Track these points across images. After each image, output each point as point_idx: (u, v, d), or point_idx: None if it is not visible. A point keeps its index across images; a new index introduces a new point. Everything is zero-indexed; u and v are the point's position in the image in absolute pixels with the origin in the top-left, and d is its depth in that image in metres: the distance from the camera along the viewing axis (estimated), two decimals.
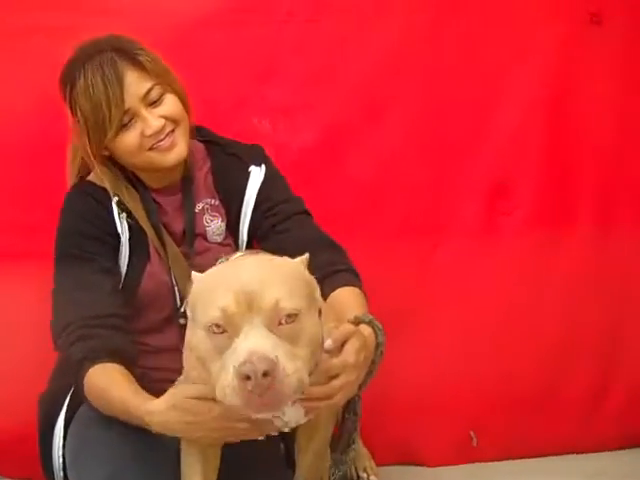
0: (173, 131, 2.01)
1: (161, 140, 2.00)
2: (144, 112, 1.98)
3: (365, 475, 2.32)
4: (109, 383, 1.80)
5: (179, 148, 2.02)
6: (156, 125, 1.98)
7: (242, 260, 1.66)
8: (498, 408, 2.57)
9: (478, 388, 2.57)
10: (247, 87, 2.55)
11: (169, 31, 2.41)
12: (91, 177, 2.11)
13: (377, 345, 1.75)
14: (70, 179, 2.15)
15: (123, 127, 1.97)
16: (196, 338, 1.50)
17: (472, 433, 2.58)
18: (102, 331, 1.86)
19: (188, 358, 1.62)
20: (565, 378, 2.61)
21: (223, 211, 2.14)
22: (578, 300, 2.63)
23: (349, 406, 1.81)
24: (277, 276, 1.48)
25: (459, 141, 2.61)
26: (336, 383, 1.58)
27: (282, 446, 2.01)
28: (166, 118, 2.00)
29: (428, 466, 2.53)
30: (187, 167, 2.14)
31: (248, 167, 2.16)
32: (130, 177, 2.09)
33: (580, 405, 2.62)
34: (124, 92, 1.94)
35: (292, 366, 1.40)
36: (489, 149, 2.63)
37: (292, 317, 1.44)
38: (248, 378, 1.37)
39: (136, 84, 1.97)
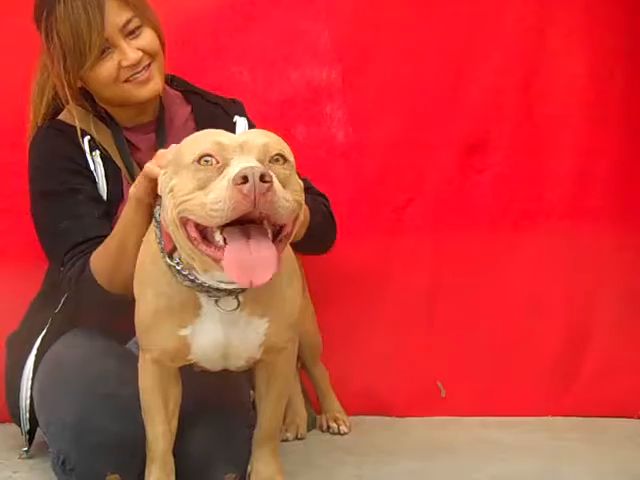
0: (149, 65, 1.96)
1: (137, 72, 1.95)
2: (122, 42, 1.93)
3: (335, 425, 2.27)
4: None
5: (155, 82, 1.97)
6: (133, 57, 1.93)
7: None
8: (466, 363, 2.53)
9: (446, 344, 2.54)
10: (227, 36, 2.50)
11: None
12: (61, 116, 2.05)
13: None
14: (34, 119, 2.07)
15: (101, 56, 1.92)
16: (180, 179, 1.47)
17: (440, 384, 2.54)
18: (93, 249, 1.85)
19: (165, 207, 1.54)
20: (535, 340, 2.55)
21: None
22: (550, 258, 2.57)
23: None
24: (266, 133, 1.53)
25: (432, 99, 2.57)
26: None
27: (252, 393, 1.95)
28: (143, 51, 1.95)
29: (397, 416, 2.48)
30: (162, 107, 2.08)
31: (232, 117, 2.11)
32: (102, 115, 2.03)
33: (552, 369, 2.55)
34: (104, 20, 1.89)
35: (284, 193, 1.41)
36: (464, 107, 2.58)
37: (282, 159, 1.45)
38: (245, 181, 1.34)
39: (115, 13, 1.92)
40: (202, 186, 1.42)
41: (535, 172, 2.59)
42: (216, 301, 1.56)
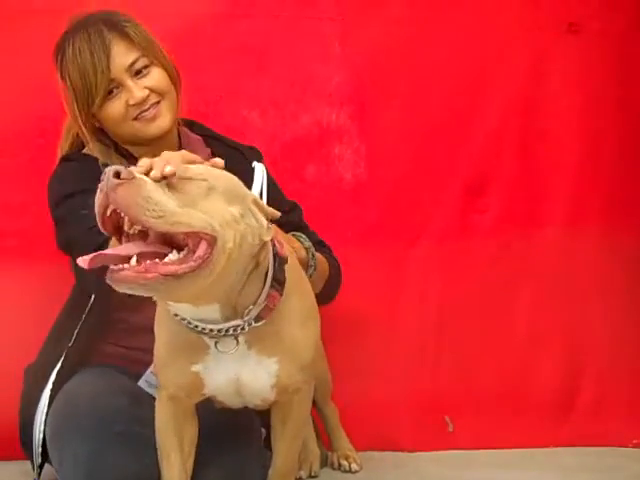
0: (158, 103, 1.98)
1: (145, 110, 1.96)
2: (129, 82, 1.95)
3: (346, 463, 2.25)
4: None
5: (162, 119, 1.98)
6: (139, 95, 1.94)
7: None
8: (472, 398, 2.54)
9: (452, 378, 2.54)
10: (237, 80, 2.52)
11: (162, 23, 2.34)
12: (84, 151, 2.06)
13: (309, 265, 1.88)
14: (60, 152, 2.10)
15: (109, 96, 1.95)
16: None
17: (447, 418, 2.53)
18: None
19: None
20: (535, 374, 2.57)
21: None
22: (548, 296, 2.59)
23: None
24: (211, 169, 1.47)
25: (437, 141, 2.59)
26: None
27: (264, 431, 1.94)
28: (151, 89, 1.96)
29: (406, 451, 2.47)
30: (180, 148, 2.07)
31: (251, 163, 2.11)
32: (122, 152, 2.04)
33: (551, 401, 2.56)
34: (110, 61, 1.92)
35: (161, 198, 1.33)
36: (465, 149, 2.60)
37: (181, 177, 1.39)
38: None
39: (122, 54, 1.95)
40: None
41: (532, 213, 2.61)
42: (216, 343, 1.54)
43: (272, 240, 1.52)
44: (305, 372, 1.64)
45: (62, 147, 2.11)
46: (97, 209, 1.34)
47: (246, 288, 1.47)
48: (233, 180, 1.48)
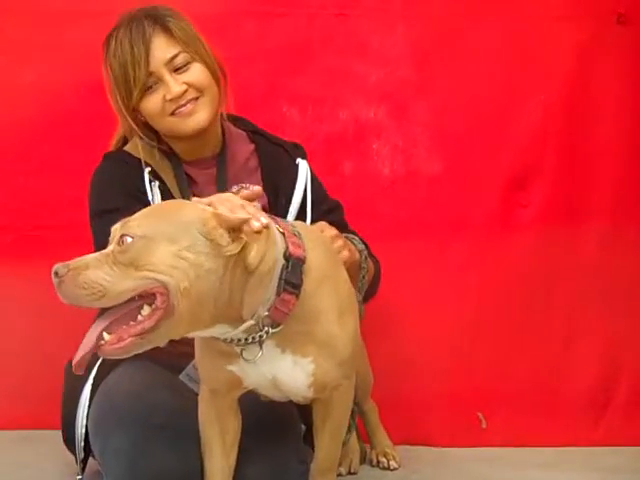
0: (197, 99, 1.94)
1: (182, 106, 1.93)
2: (167, 76, 1.91)
3: (385, 460, 2.22)
4: None
5: (199, 116, 1.94)
6: (176, 90, 1.91)
7: None
8: (507, 395, 2.50)
9: (487, 375, 2.51)
10: (277, 77, 2.51)
11: (204, 20, 2.31)
12: (127, 147, 2.05)
13: (361, 267, 1.89)
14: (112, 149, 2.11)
15: (148, 90, 1.92)
16: None
17: (481, 415, 2.50)
18: None
19: None
20: (571, 372, 2.52)
21: (265, 198, 2.03)
22: (587, 293, 2.54)
23: None
24: (152, 209, 1.52)
25: (481, 134, 2.54)
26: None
27: (303, 427, 1.91)
28: (189, 85, 1.92)
29: (438, 446, 2.45)
30: (224, 143, 2.06)
31: (295, 160, 2.09)
32: (165, 149, 2.02)
33: (587, 400, 2.52)
34: (149, 55, 1.90)
35: (98, 277, 1.38)
36: (506, 144, 2.55)
37: (129, 238, 1.40)
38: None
39: (162, 48, 1.91)
40: None
41: (576, 208, 2.55)
42: (242, 350, 1.52)
43: (285, 240, 1.48)
44: (344, 368, 1.60)
45: (113, 143, 2.11)
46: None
47: (247, 298, 1.44)
48: (174, 216, 1.44)
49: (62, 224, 2.46)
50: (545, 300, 2.54)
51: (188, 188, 1.99)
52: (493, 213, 2.56)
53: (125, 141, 2.08)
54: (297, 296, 1.47)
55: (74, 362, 1.43)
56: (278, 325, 1.48)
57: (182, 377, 1.93)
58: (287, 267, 1.46)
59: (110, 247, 1.42)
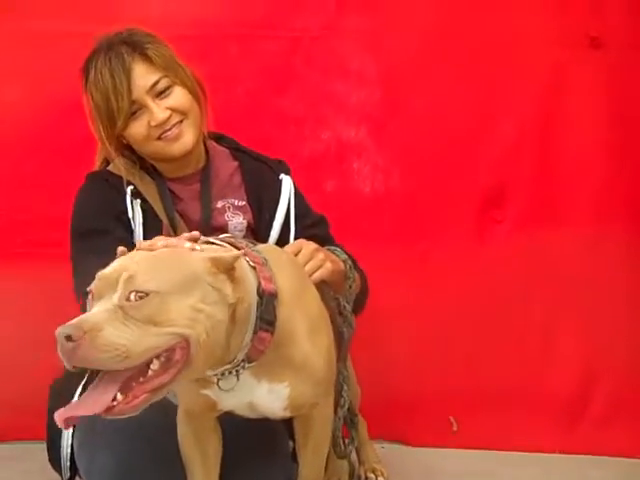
0: (181, 122, 1.94)
1: (167, 130, 1.93)
2: (150, 103, 1.91)
3: (373, 476, 2.20)
4: None
5: (185, 139, 1.95)
6: (161, 117, 1.91)
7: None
8: (479, 400, 2.53)
9: (461, 379, 2.55)
10: (259, 97, 2.54)
11: (188, 42, 2.34)
12: (110, 167, 2.04)
13: (347, 277, 1.86)
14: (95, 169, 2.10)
15: (132, 116, 1.91)
16: None
17: (452, 419, 2.55)
18: None
19: None
20: (546, 380, 2.54)
21: (250, 213, 2.05)
22: (565, 302, 2.56)
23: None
24: (148, 261, 1.39)
25: (454, 154, 2.58)
26: (304, 252, 1.72)
27: (291, 443, 1.90)
28: (173, 110, 1.92)
29: (411, 445, 2.51)
30: (208, 159, 2.07)
31: (278, 175, 2.09)
32: (148, 167, 2.02)
33: (561, 408, 2.53)
34: (131, 83, 1.89)
35: (118, 338, 1.28)
36: (482, 162, 2.59)
37: (141, 294, 1.32)
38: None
39: (143, 76, 1.90)
40: None
41: (551, 222, 2.58)
42: (218, 380, 1.50)
43: (257, 275, 1.46)
44: (321, 387, 1.60)
45: (96, 164, 2.09)
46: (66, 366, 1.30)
47: (232, 342, 1.42)
48: (182, 267, 1.38)
49: (47, 242, 2.43)
50: (523, 308, 2.57)
51: (172, 205, 1.99)
52: (470, 226, 2.59)
53: (107, 164, 2.07)
54: (272, 333, 1.45)
55: (67, 417, 1.32)
56: (253, 361, 1.47)
57: (170, 395, 1.92)
58: (261, 304, 1.44)
59: (112, 301, 1.32)
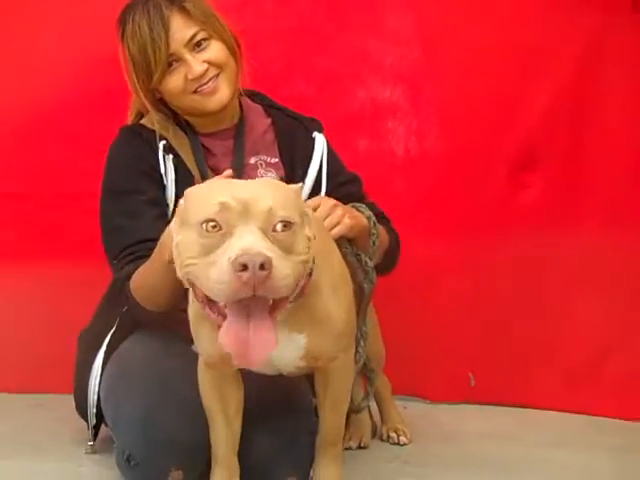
0: (217, 76, 1.93)
1: (204, 84, 1.92)
2: (188, 56, 1.90)
3: (395, 436, 2.19)
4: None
5: (221, 93, 1.94)
6: (199, 70, 1.90)
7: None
8: (497, 357, 2.54)
9: (480, 337, 2.55)
10: (298, 55, 2.53)
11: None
12: (143, 120, 2.03)
13: (371, 233, 1.86)
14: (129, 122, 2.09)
15: (168, 70, 1.91)
16: (185, 237, 1.38)
17: (471, 375, 2.57)
18: (144, 254, 1.79)
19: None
20: (565, 338, 2.52)
21: (282, 170, 2.04)
22: (584, 269, 2.52)
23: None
24: (271, 190, 1.41)
25: (491, 114, 2.54)
26: (322, 208, 1.73)
27: (313, 400, 1.88)
28: (210, 63, 1.91)
29: (430, 401, 2.56)
30: (242, 116, 2.05)
31: (312, 133, 2.08)
32: (181, 122, 2.01)
33: (579, 368, 2.50)
34: (169, 36, 1.88)
35: (285, 267, 1.32)
36: (516, 125, 2.54)
37: (287, 225, 1.35)
38: (244, 269, 1.26)
39: (181, 29, 1.90)
40: (206, 252, 1.33)
41: (579, 189, 2.54)
42: None
43: None
44: (340, 341, 1.60)
45: (129, 116, 2.09)
46: (236, 297, 1.31)
47: None
48: (294, 199, 1.43)
49: (81, 194, 2.45)
50: (545, 271, 2.54)
51: (204, 160, 1.98)
52: (499, 192, 2.56)
53: (141, 116, 2.06)
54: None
55: (256, 364, 1.39)
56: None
57: (194, 347, 1.93)
58: None
59: (256, 230, 1.33)
